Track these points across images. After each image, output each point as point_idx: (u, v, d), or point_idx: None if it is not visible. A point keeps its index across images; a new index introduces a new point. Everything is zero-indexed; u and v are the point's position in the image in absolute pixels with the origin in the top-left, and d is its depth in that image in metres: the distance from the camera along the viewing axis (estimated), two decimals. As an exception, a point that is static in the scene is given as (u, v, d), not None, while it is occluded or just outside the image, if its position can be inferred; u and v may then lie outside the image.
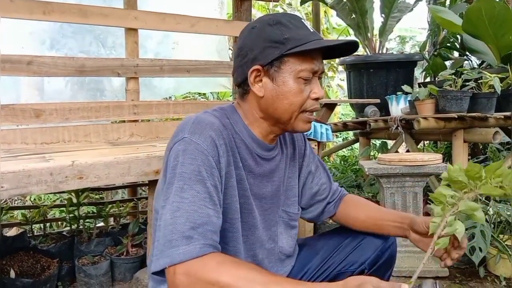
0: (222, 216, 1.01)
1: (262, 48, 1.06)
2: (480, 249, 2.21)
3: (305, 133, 1.39)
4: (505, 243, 2.36)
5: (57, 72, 2.46)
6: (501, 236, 2.42)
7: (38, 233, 2.65)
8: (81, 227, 2.60)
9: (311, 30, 1.08)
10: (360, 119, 3.66)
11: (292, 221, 1.28)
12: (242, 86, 1.13)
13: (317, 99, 1.10)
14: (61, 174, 1.67)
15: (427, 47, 4.33)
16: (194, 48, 3.59)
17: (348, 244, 1.32)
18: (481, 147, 3.89)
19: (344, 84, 5.56)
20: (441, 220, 0.96)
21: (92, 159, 1.77)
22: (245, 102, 1.14)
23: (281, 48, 1.04)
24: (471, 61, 3.85)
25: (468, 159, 3.12)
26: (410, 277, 0.89)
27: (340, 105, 6.89)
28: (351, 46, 1.12)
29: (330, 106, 2.98)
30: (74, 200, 2.60)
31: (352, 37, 5.90)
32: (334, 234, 1.41)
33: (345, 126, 3.81)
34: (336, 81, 7.72)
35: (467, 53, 3.75)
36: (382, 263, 1.31)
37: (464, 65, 3.65)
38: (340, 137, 6.91)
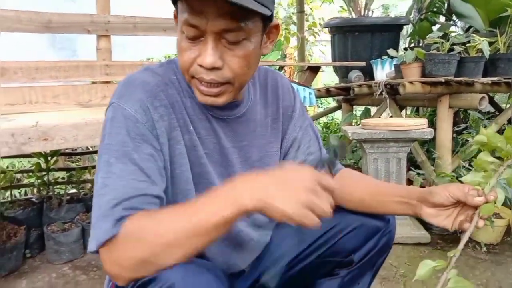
0: (172, 186, 0.91)
1: None
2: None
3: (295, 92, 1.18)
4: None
5: (21, 28, 2.25)
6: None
7: (5, 200, 2.52)
8: (50, 193, 2.47)
9: None
10: (344, 84, 3.56)
11: None
12: None
13: (201, 66, 0.85)
14: (24, 135, 1.56)
15: (412, 13, 4.22)
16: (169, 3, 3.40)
17: (339, 228, 1.11)
18: (462, 116, 3.85)
19: (326, 51, 5.40)
20: (487, 186, 0.90)
21: (58, 119, 1.65)
22: None
23: None
24: (457, 26, 3.77)
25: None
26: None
27: (323, 71, 6.76)
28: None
29: (314, 69, 2.89)
30: (44, 166, 2.47)
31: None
32: None
33: (328, 92, 3.72)
34: (319, 47, 7.57)
35: (454, 17, 3.66)
36: (376, 252, 1.12)
37: (450, 30, 3.57)
38: (321, 107, 6.84)
